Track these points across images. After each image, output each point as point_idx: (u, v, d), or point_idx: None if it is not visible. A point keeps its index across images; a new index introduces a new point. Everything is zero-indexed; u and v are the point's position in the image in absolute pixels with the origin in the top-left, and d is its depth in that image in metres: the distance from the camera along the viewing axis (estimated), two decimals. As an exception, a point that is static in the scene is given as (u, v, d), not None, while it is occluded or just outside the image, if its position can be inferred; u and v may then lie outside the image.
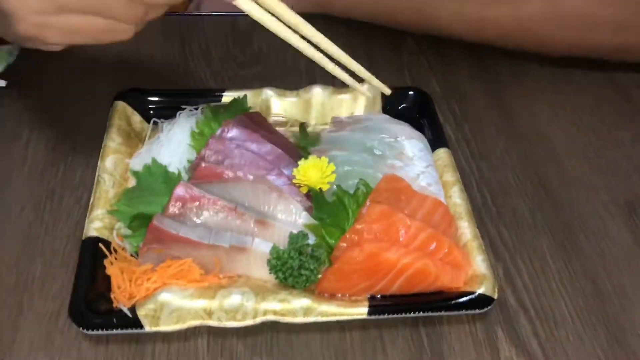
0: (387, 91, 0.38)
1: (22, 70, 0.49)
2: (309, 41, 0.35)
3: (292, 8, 0.36)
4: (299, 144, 0.42)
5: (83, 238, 0.35)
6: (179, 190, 0.35)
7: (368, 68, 0.53)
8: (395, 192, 0.36)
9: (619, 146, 0.47)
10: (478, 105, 0.50)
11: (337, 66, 0.37)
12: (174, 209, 0.34)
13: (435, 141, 0.43)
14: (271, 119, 0.45)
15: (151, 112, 0.44)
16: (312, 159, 0.37)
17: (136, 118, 0.44)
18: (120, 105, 0.43)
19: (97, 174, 0.39)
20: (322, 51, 0.38)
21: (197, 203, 0.35)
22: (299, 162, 0.37)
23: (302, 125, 0.44)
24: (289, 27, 0.34)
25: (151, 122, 0.43)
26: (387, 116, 0.44)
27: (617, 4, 0.49)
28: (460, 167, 0.43)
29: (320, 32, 0.34)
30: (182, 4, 0.30)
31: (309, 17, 0.56)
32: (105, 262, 0.34)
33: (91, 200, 0.37)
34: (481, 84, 0.52)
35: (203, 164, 0.37)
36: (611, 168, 0.45)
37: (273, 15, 0.33)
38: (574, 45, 0.52)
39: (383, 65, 0.53)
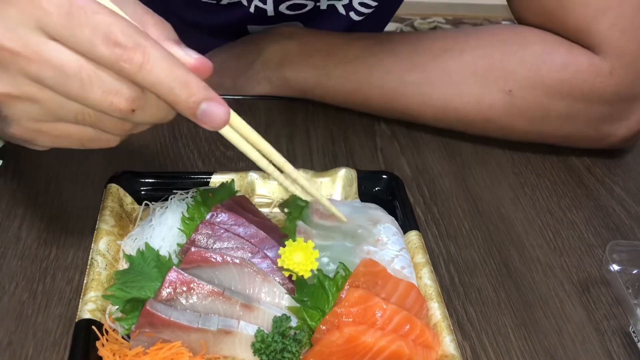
0: (344, 220, 0.42)
1: (17, 150, 0.51)
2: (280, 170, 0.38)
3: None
4: (283, 225, 0.44)
5: (77, 320, 0.37)
6: (171, 276, 0.37)
7: (344, 150, 0.57)
8: (372, 276, 0.39)
9: (573, 228, 0.52)
10: (445, 188, 0.55)
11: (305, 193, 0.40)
12: (165, 293, 0.37)
13: (407, 223, 0.47)
14: (255, 200, 0.48)
15: (142, 193, 0.47)
16: (299, 241, 0.40)
17: (128, 199, 0.46)
18: (114, 187, 0.46)
19: (90, 257, 0.41)
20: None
21: (187, 288, 0.37)
22: (286, 243, 0.40)
23: (282, 207, 0.47)
24: (264, 155, 0.37)
25: (143, 204, 0.46)
26: (361, 202, 0.48)
27: (566, 100, 0.55)
28: (429, 247, 0.47)
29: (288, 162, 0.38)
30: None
31: (291, 100, 0.61)
32: (97, 344, 0.36)
33: (84, 282, 0.39)
34: (448, 167, 0.57)
35: (193, 249, 0.39)
36: (566, 248, 0.50)
37: (251, 144, 0.36)
38: (529, 132, 0.58)
39: (358, 148, 0.58)
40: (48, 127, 0.33)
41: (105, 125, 0.33)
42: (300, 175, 0.39)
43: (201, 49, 0.36)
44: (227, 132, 0.35)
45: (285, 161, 0.37)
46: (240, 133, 0.36)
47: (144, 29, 0.32)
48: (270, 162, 0.37)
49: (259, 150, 0.37)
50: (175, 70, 0.31)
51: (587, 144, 0.59)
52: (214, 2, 0.63)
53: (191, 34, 0.36)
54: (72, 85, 0.31)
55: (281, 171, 0.38)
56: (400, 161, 0.57)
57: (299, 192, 0.40)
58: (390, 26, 2.02)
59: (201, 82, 0.32)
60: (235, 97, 0.60)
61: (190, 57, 0.33)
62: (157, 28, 0.33)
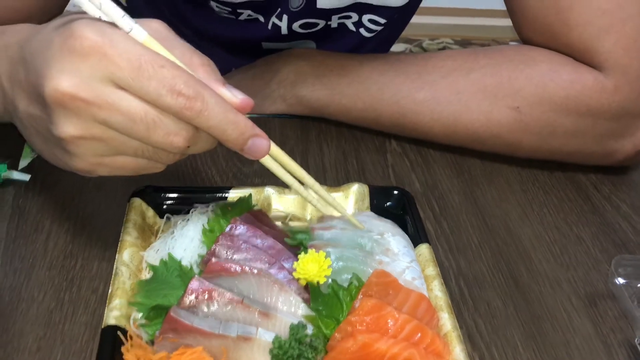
0: (362, 227, 0.46)
1: (44, 165, 0.54)
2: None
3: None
4: (295, 239, 0.46)
5: (103, 326, 0.39)
6: (193, 284, 0.39)
7: (356, 167, 0.59)
8: (384, 286, 0.41)
9: (580, 243, 0.53)
10: (455, 203, 0.56)
11: (327, 206, 0.46)
12: (188, 300, 0.39)
13: (418, 237, 0.48)
14: (271, 214, 0.50)
15: (164, 207, 0.49)
16: (311, 252, 0.42)
17: (150, 213, 0.49)
18: (137, 201, 0.48)
19: (115, 267, 0.43)
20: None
21: (209, 296, 0.39)
22: (299, 256, 0.42)
23: (286, 223, 0.49)
24: (291, 174, 0.42)
25: (165, 217, 0.48)
26: (373, 214, 0.49)
27: (573, 116, 0.57)
28: (439, 261, 0.48)
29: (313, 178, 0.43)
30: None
31: (305, 118, 0.63)
32: (123, 349, 0.38)
33: (110, 291, 0.41)
34: (457, 182, 0.59)
35: (213, 259, 0.41)
36: (573, 263, 0.51)
37: (283, 167, 0.42)
38: (537, 148, 0.59)
39: (369, 165, 0.60)
40: (109, 160, 0.37)
41: (160, 157, 0.37)
42: (326, 192, 0.44)
43: (220, 67, 0.39)
44: (265, 160, 0.40)
45: (314, 181, 0.43)
46: (275, 158, 0.41)
47: (193, 71, 0.36)
48: (301, 181, 0.42)
49: (290, 172, 0.42)
50: (228, 114, 0.36)
51: (594, 161, 0.60)
52: (233, 17, 0.66)
53: (209, 50, 0.40)
54: (139, 129, 0.35)
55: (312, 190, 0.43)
56: (411, 177, 0.58)
57: (321, 207, 0.45)
58: (400, 47, 2.06)
59: (248, 122, 0.37)
60: (252, 116, 0.63)
61: (235, 97, 0.37)
62: (205, 69, 0.37)
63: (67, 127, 0.35)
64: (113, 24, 0.35)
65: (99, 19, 0.35)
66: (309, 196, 0.44)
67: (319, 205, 0.45)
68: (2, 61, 0.40)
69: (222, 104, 0.36)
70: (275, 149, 0.40)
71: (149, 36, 0.36)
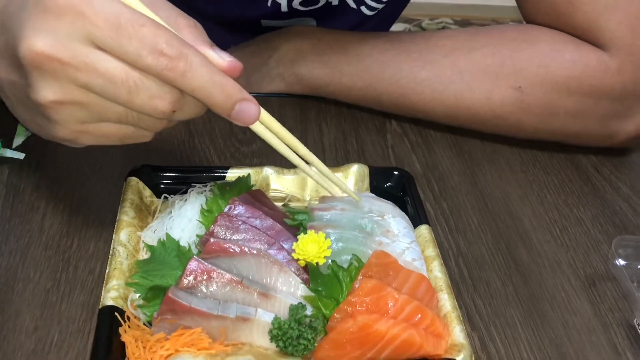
0: (357, 198, 0.45)
1: (38, 144, 0.53)
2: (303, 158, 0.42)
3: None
4: (294, 220, 0.46)
5: (100, 307, 0.39)
6: (192, 265, 0.38)
7: (356, 147, 0.59)
8: (384, 267, 0.41)
9: (580, 224, 0.53)
10: (455, 184, 0.56)
11: (325, 179, 0.44)
12: (186, 281, 0.38)
13: (418, 218, 0.48)
14: (270, 194, 0.50)
15: (161, 187, 0.48)
16: (310, 233, 0.42)
17: (147, 192, 0.48)
18: (133, 181, 0.47)
19: (112, 247, 0.42)
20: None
21: (207, 276, 0.38)
22: (299, 236, 0.41)
23: (286, 204, 0.49)
24: (289, 147, 0.40)
25: (162, 197, 0.47)
26: (373, 195, 0.49)
27: (575, 96, 0.56)
28: (439, 242, 0.48)
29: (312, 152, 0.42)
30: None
31: (304, 97, 0.62)
32: (120, 330, 0.38)
33: (107, 271, 0.41)
34: (458, 163, 0.58)
35: (212, 240, 0.41)
36: (573, 244, 0.51)
37: (277, 136, 0.40)
38: (538, 129, 0.59)
39: (369, 145, 0.59)
40: (92, 127, 0.35)
41: (145, 124, 0.35)
42: (322, 164, 0.43)
43: (219, 45, 0.38)
44: (256, 127, 0.38)
45: (309, 152, 0.41)
46: (268, 127, 0.38)
47: (178, 32, 0.34)
48: (296, 153, 0.40)
49: (285, 143, 0.39)
50: (214, 76, 0.34)
51: (595, 142, 0.60)
52: None
53: (208, 28, 0.38)
54: (120, 92, 0.33)
55: (306, 162, 0.42)
56: (411, 158, 0.58)
57: (320, 180, 0.43)
58: (399, 26, 2.04)
59: (236, 85, 0.35)
60: (250, 94, 0.62)
61: (223, 59, 0.35)
62: (190, 31, 0.35)
63: (46, 92, 0.33)
64: None
65: None
66: (306, 168, 0.42)
67: (316, 177, 0.43)
68: None
69: (207, 65, 0.34)
70: (266, 116, 0.38)
71: None
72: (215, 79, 0.34)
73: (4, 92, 0.38)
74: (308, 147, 0.42)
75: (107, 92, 0.33)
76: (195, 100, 0.35)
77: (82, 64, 0.32)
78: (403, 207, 0.49)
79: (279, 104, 0.62)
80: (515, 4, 0.61)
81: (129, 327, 0.38)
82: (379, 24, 0.72)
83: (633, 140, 0.59)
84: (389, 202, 0.48)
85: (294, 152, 0.40)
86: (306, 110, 0.62)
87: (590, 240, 0.51)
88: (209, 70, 0.34)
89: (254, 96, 0.66)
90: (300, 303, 0.38)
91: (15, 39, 0.33)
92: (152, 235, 0.44)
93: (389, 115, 0.62)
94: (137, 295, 0.39)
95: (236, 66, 0.35)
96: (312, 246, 0.41)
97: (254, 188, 0.48)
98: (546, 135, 0.60)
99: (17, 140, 0.53)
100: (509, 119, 0.58)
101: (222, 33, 0.70)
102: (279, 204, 0.49)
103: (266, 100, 0.62)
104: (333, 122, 0.61)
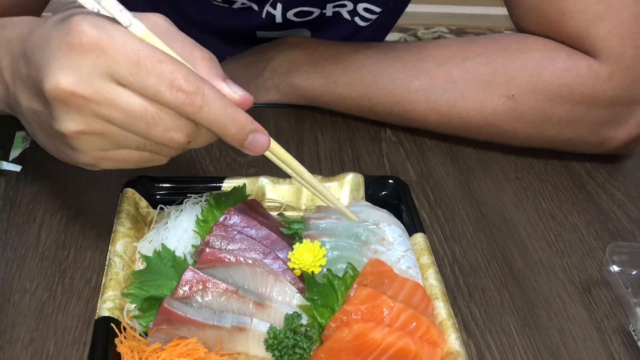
0: (356, 219, 0.46)
1: (35, 156, 0.54)
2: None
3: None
4: (290, 229, 0.46)
5: (96, 318, 0.39)
6: (187, 275, 0.39)
7: (351, 156, 0.59)
8: (380, 275, 0.41)
9: (574, 231, 0.53)
10: (450, 192, 0.56)
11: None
12: (182, 291, 0.38)
13: (413, 226, 0.48)
14: (266, 204, 0.50)
15: (157, 197, 0.48)
16: (305, 242, 0.42)
17: (143, 203, 0.48)
18: (129, 192, 0.48)
19: (108, 257, 0.43)
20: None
21: (203, 286, 0.38)
22: (294, 246, 0.42)
23: (281, 214, 0.49)
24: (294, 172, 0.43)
25: (158, 207, 0.47)
26: (368, 203, 0.49)
27: (567, 104, 0.57)
28: (434, 249, 0.48)
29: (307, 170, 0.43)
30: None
31: (299, 108, 0.63)
32: (116, 341, 0.38)
33: (103, 282, 0.41)
34: (452, 172, 0.58)
35: (207, 250, 0.41)
36: (568, 251, 0.51)
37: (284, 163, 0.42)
38: (531, 137, 0.59)
39: (364, 154, 0.59)
40: (112, 154, 0.37)
41: (162, 151, 0.37)
42: (327, 190, 0.45)
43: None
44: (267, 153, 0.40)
45: (313, 178, 0.43)
46: (275, 155, 0.41)
47: (194, 65, 0.36)
48: (301, 178, 0.43)
49: (290, 168, 0.42)
50: (228, 109, 0.36)
51: (588, 149, 0.60)
52: (226, 5, 0.65)
53: (203, 39, 0.39)
54: (138, 125, 0.35)
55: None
56: (406, 166, 0.58)
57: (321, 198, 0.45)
58: (394, 36, 2.05)
59: (248, 117, 0.37)
60: (245, 105, 0.62)
61: (235, 93, 0.37)
62: (205, 64, 0.36)
63: (69, 123, 0.35)
64: (112, 19, 0.35)
65: (98, 13, 0.35)
66: (310, 188, 0.44)
67: (317, 194, 0.45)
68: (4, 56, 0.39)
69: (222, 99, 0.35)
70: (274, 145, 0.40)
71: (147, 30, 0.35)
72: (229, 113, 0.36)
73: (25, 119, 0.39)
74: (304, 158, 0.43)
75: (127, 124, 0.35)
76: (209, 132, 0.37)
77: (103, 100, 0.34)
78: (398, 216, 0.49)
79: (274, 114, 0.63)
80: (509, 13, 0.62)
81: (125, 337, 0.38)
82: (373, 34, 0.73)
83: (625, 147, 0.60)
84: (384, 210, 0.48)
85: (299, 177, 0.43)
86: (301, 121, 0.62)
87: (584, 247, 0.52)
88: (224, 104, 0.35)
89: (250, 107, 0.67)
90: (296, 312, 0.39)
91: (40, 73, 0.35)
92: (148, 245, 0.44)
93: (384, 124, 0.62)
94: (133, 305, 0.39)
95: (248, 99, 0.37)
96: (307, 255, 0.41)
97: (249, 198, 0.48)
98: (539, 143, 0.60)
99: (14, 153, 0.54)
100: (502, 127, 0.59)
101: (218, 44, 0.70)
102: (274, 214, 0.49)
103: (262, 111, 0.63)
104: (328, 132, 0.61)
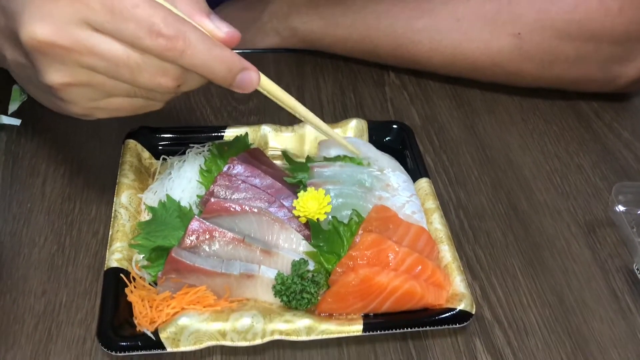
0: (356, 152, 0.45)
1: (34, 109, 0.53)
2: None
3: None
4: (294, 177, 0.46)
5: (105, 269, 0.39)
6: (194, 225, 0.39)
7: (354, 101, 0.58)
8: (384, 221, 0.41)
9: (580, 171, 0.53)
10: (454, 135, 0.55)
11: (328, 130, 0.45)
12: (189, 241, 0.39)
13: (417, 171, 0.48)
14: (269, 152, 0.49)
15: (159, 148, 0.48)
16: (310, 190, 0.42)
17: (145, 154, 0.48)
18: (131, 143, 0.47)
19: (114, 209, 0.43)
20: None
21: (210, 235, 0.39)
22: (299, 194, 0.42)
23: (285, 153, 0.48)
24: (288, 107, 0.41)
25: (161, 158, 0.47)
26: (372, 146, 0.49)
27: (576, 41, 0.55)
28: (439, 194, 0.48)
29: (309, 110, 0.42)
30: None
31: (300, 52, 0.61)
32: (126, 290, 0.38)
33: (110, 234, 0.41)
34: (457, 115, 0.58)
35: (212, 199, 0.41)
36: (573, 192, 0.51)
37: (276, 98, 0.41)
38: (538, 77, 0.58)
39: (368, 99, 0.58)
40: (104, 103, 0.36)
41: (154, 96, 0.36)
42: (322, 123, 0.43)
43: (211, 3, 0.37)
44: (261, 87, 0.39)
45: (307, 111, 0.42)
46: (267, 90, 0.39)
47: (174, 3, 0.34)
48: (296, 113, 0.41)
49: (284, 104, 0.40)
50: (213, 51, 0.34)
51: (597, 88, 0.59)
52: None
53: None
54: (123, 72, 0.34)
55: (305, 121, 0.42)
56: (410, 111, 0.57)
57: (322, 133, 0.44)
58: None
59: (234, 55, 0.35)
60: (244, 51, 0.61)
61: (220, 30, 0.35)
62: (186, 1, 0.35)
63: (53, 75, 0.34)
64: None
65: None
66: (309, 117, 0.42)
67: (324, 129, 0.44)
68: None
69: (205, 41, 0.34)
70: (266, 81, 0.39)
71: None
72: (215, 54, 0.34)
73: (14, 72, 0.38)
74: (305, 103, 0.42)
75: (111, 72, 0.34)
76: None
77: (83, 48, 0.33)
78: (403, 161, 0.48)
79: (274, 59, 0.61)
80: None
81: (134, 287, 0.38)
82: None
83: (635, 84, 0.58)
84: (388, 155, 0.48)
85: (293, 112, 0.41)
86: (302, 65, 0.61)
87: (590, 188, 0.51)
88: (208, 45, 0.34)
89: (249, 52, 0.66)
90: (302, 259, 0.39)
91: (15, 23, 0.33)
92: (152, 196, 0.44)
93: (387, 68, 0.61)
94: (141, 256, 0.40)
95: (234, 36, 0.35)
96: (312, 203, 0.41)
97: (252, 147, 0.48)
98: (546, 83, 0.59)
99: (12, 107, 0.53)
100: (508, 67, 0.57)
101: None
102: (277, 162, 0.48)
103: (261, 56, 0.61)
104: (330, 77, 0.60)
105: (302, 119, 0.42)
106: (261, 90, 0.39)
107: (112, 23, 0.32)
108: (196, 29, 0.34)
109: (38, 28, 0.32)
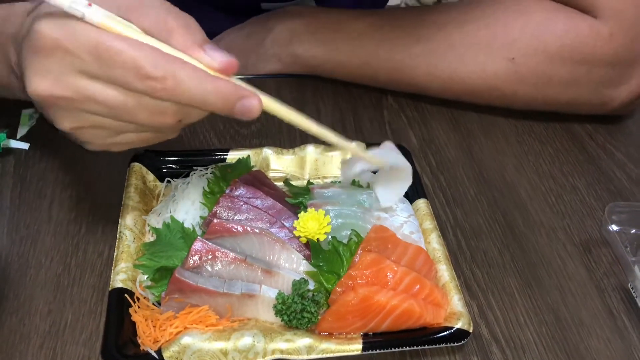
0: (373, 160, 0.44)
1: (42, 133, 0.54)
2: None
3: None
4: (295, 198, 0.47)
5: (110, 289, 0.40)
6: (197, 245, 0.40)
7: (353, 125, 0.59)
8: (383, 241, 0.42)
9: (575, 192, 0.54)
10: (451, 157, 0.57)
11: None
12: (192, 261, 0.40)
13: (415, 192, 0.49)
14: (270, 174, 0.51)
15: (164, 171, 0.49)
16: (310, 211, 0.43)
17: (150, 177, 0.49)
18: (137, 166, 0.49)
19: (119, 230, 0.44)
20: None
21: (212, 256, 0.40)
22: (299, 214, 0.43)
23: (287, 181, 0.49)
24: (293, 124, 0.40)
25: (165, 181, 0.48)
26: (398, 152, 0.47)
27: (568, 65, 0.57)
28: (437, 214, 0.49)
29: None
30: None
31: (300, 78, 0.63)
32: (130, 310, 0.39)
33: (115, 254, 0.42)
34: (454, 137, 0.59)
35: (215, 220, 0.42)
36: (568, 212, 0.52)
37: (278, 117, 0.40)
38: (533, 99, 0.59)
39: (367, 122, 0.60)
40: (117, 139, 0.37)
41: (162, 130, 0.37)
42: (335, 137, 0.41)
43: (215, 29, 0.38)
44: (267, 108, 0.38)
45: (319, 129, 0.40)
46: (273, 112, 0.38)
47: (169, 36, 0.34)
48: (306, 131, 0.40)
49: (293, 124, 0.39)
50: (205, 85, 0.34)
51: (589, 110, 0.60)
52: None
53: (206, 12, 0.38)
54: (122, 114, 0.35)
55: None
56: (408, 133, 0.59)
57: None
58: (396, 0, 2.01)
59: (229, 85, 0.35)
60: (246, 77, 0.63)
61: (215, 61, 0.35)
62: (180, 33, 0.35)
63: (63, 122, 0.36)
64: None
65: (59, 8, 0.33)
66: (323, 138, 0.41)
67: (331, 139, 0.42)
68: (9, 48, 0.39)
69: (196, 75, 0.33)
70: (271, 103, 0.38)
71: (107, 15, 0.33)
72: (207, 87, 0.34)
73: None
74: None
75: (113, 115, 0.35)
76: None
77: (82, 97, 0.34)
78: (401, 182, 0.49)
79: (276, 85, 0.63)
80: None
81: (138, 307, 0.39)
82: (375, 2, 0.72)
83: (626, 107, 0.60)
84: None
85: (307, 130, 0.40)
86: (303, 90, 0.63)
87: (585, 207, 0.52)
88: (199, 80, 0.34)
89: (251, 78, 0.67)
90: (303, 278, 0.40)
91: (23, 79, 0.35)
92: (157, 218, 0.45)
93: (386, 92, 0.63)
94: (145, 276, 0.41)
95: (230, 64, 0.35)
96: (312, 223, 0.42)
97: (254, 169, 0.49)
98: (541, 105, 0.60)
99: (22, 131, 0.54)
100: (503, 90, 0.59)
101: (222, 17, 0.70)
102: (279, 184, 0.50)
103: (263, 81, 0.63)
104: (330, 101, 0.62)
105: (317, 136, 0.41)
106: (269, 112, 0.38)
107: (102, 70, 0.33)
108: (185, 65, 0.34)
109: (38, 83, 0.34)
